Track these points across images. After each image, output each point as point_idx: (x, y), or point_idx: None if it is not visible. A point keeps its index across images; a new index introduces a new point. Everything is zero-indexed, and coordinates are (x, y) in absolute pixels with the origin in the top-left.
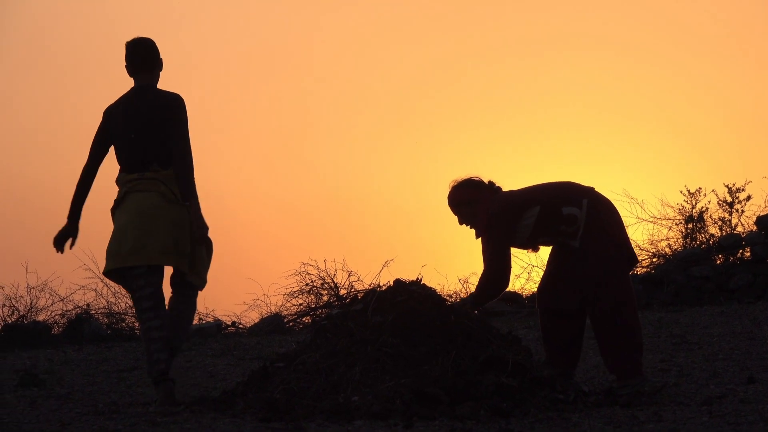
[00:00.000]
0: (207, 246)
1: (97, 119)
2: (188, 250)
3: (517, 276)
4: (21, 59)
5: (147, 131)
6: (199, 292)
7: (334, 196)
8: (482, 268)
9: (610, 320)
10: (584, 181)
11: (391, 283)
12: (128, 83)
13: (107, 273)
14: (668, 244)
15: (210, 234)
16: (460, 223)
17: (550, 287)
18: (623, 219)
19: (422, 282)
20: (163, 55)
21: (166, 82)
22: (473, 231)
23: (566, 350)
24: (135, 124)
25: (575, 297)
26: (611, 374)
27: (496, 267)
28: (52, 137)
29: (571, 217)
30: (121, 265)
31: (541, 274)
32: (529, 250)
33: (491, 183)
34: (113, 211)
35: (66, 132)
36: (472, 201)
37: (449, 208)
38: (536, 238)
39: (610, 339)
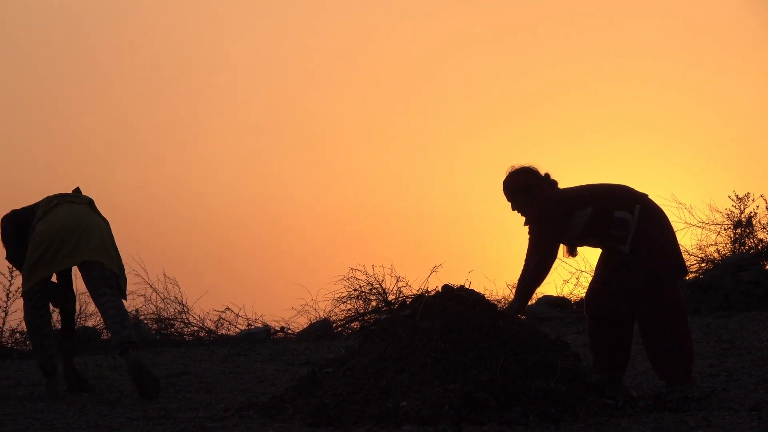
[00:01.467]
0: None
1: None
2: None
3: (566, 281)
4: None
5: None
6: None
7: (382, 201)
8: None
9: (659, 327)
10: (633, 186)
11: (440, 288)
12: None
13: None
14: (717, 249)
15: (258, 240)
16: (513, 208)
17: (597, 293)
18: (672, 225)
19: (470, 287)
20: (215, 52)
21: (239, 82)
22: (522, 219)
23: (614, 356)
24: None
25: (622, 303)
26: (660, 380)
27: (541, 257)
28: (113, 139)
29: (622, 222)
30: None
31: (590, 279)
32: (567, 254)
33: (547, 175)
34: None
35: (126, 134)
36: (528, 188)
37: (503, 193)
38: (585, 238)
39: (660, 345)
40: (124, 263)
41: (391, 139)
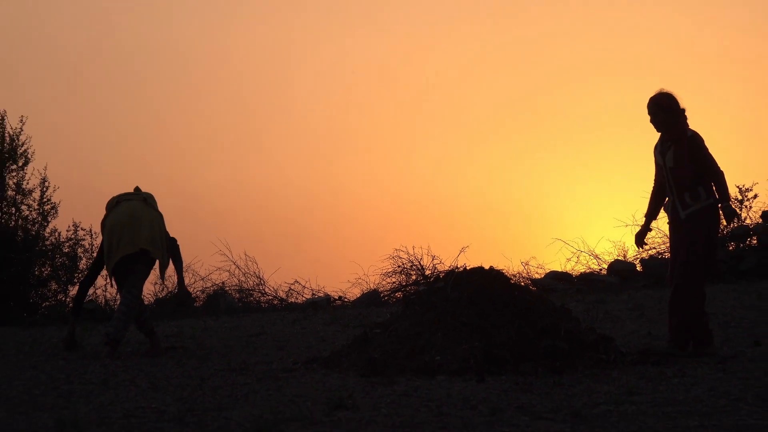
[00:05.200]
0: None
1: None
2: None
3: (568, 260)
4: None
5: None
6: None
7: (422, 193)
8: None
9: (685, 292)
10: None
11: (468, 265)
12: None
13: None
14: None
15: (321, 226)
16: (652, 120)
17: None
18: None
19: (491, 266)
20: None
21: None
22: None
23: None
24: None
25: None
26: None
27: (718, 168)
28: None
29: (707, 191)
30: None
31: (588, 258)
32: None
33: (684, 109)
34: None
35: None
36: (670, 110)
37: (648, 107)
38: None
39: (681, 309)
40: (215, 243)
41: (428, 142)
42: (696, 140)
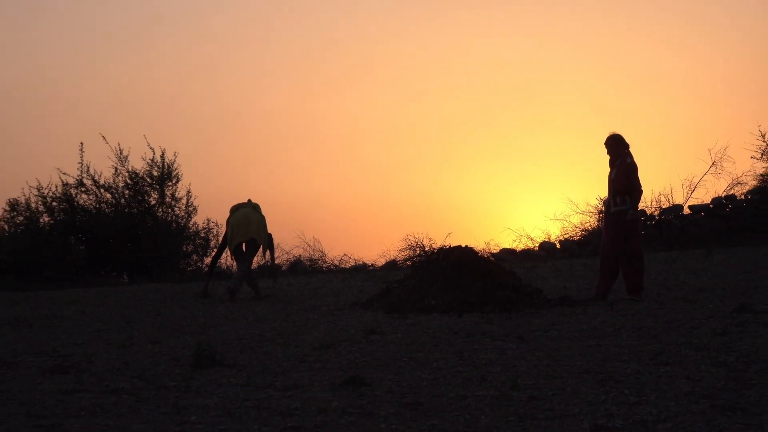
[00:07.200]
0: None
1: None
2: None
3: (514, 240)
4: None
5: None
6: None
7: (423, 198)
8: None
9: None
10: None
11: (452, 244)
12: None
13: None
14: (590, 224)
15: (360, 220)
16: (607, 153)
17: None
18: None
19: (466, 245)
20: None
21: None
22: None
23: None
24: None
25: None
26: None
27: (640, 188)
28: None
29: (624, 201)
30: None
31: (527, 242)
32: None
33: (628, 144)
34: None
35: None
36: (619, 145)
37: (606, 141)
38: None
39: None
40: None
41: (427, 163)
42: (632, 167)
